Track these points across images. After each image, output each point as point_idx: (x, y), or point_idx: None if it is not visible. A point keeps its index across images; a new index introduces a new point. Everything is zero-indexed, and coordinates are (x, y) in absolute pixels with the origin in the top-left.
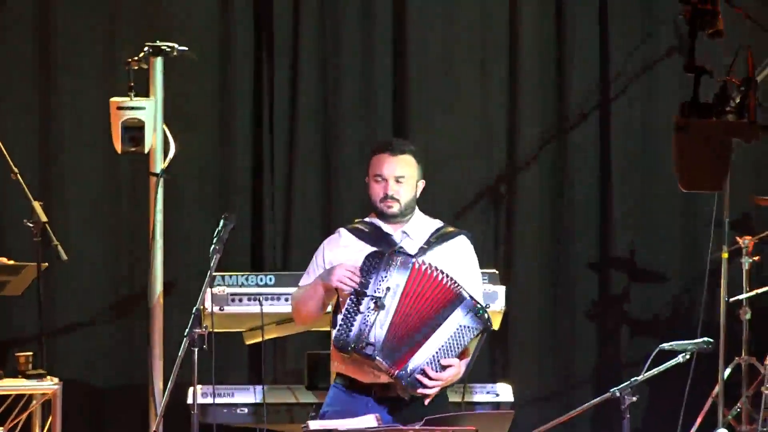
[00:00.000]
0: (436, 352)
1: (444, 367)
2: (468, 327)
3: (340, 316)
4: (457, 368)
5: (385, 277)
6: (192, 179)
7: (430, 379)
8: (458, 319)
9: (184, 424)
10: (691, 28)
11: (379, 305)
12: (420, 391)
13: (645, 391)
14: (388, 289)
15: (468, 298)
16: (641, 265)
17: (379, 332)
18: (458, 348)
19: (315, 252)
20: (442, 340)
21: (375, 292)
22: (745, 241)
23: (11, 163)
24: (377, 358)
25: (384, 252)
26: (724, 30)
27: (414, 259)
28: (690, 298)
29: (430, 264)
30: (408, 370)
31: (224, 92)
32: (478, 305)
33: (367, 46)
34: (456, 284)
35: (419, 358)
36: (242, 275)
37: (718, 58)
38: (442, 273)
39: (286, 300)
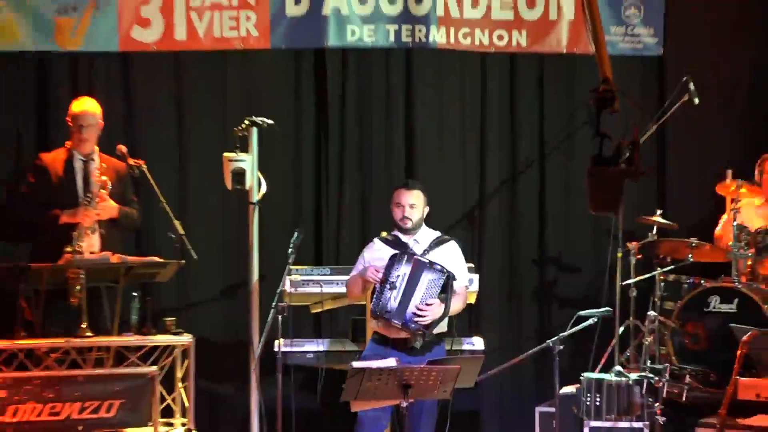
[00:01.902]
0: (421, 298)
1: (429, 305)
2: (434, 279)
3: (373, 296)
4: (438, 305)
5: (398, 269)
6: (275, 205)
7: (420, 313)
8: (428, 276)
9: (272, 365)
10: (597, 108)
11: (393, 288)
12: (419, 321)
13: (569, 343)
14: (398, 276)
15: (430, 263)
16: (565, 262)
17: (393, 304)
18: (434, 292)
19: (359, 253)
20: (422, 291)
21: (391, 280)
22: (632, 246)
23: (159, 195)
24: (392, 320)
25: (399, 254)
26: (619, 109)
27: (415, 256)
28: (597, 283)
29: (421, 256)
30: (407, 316)
31: (296, 148)
32: (437, 265)
33: (389, 118)
34: (426, 260)
35: (412, 306)
36: (309, 267)
37: (617, 127)
38: (426, 259)
39: (337, 284)
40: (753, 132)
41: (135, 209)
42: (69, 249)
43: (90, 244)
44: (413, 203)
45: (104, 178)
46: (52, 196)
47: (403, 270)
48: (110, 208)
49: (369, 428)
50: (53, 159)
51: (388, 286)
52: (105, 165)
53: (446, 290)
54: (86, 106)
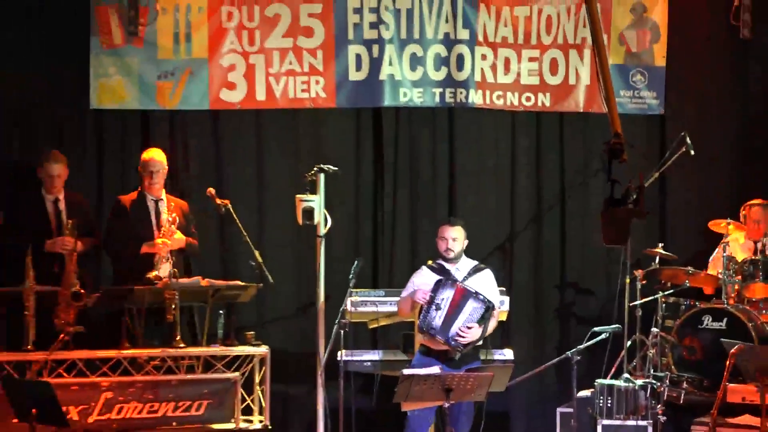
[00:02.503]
0: (464, 322)
1: (469, 329)
2: (477, 307)
3: (420, 314)
4: (477, 329)
5: (442, 293)
6: (339, 238)
7: (462, 335)
8: (472, 304)
9: (335, 372)
10: (608, 158)
11: (438, 308)
12: (459, 341)
13: (585, 354)
14: (442, 299)
15: (476, 293)
16: (582, 286)
17: (437, 322)
18: (476, 318)
19: (408, 279)
20: (465, 316)
21: (436, 301)
22: (638, 273)
23: (242, 229)
24: (437, 336)
25: (443, 280)
26: (627, 159)
27: (457, 283)
28: (609, 304)
29: (464, 284)
30: (449, 334)
31: (356, 190)
32: (481, 295)
33: (434, 165)
34: (473, 290)
35: (454, 328)
36: (367, 290)
37: (625, 174)
38: (468, 287)
39: (390, 304)
40: (739, 179)
41: (196, 239)
42: (152, 274)
43: (165, 270)
44: (455, 237)
45: (174, 215)
46: (131, 231)
47: (447, 294)
48: (179, 240)
49: (416, 425)
50: (129, 200)
51: (433, 306)
52: (173, 204)
53: (486, 317)
54: (154, 154)
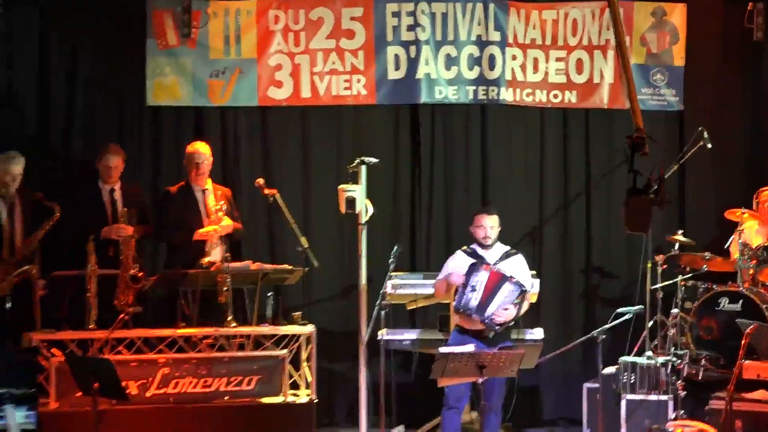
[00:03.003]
0: (500, 304)
1: (506, 310)
2: (512, 290)
3: (456, 295)
4: (512, 310)
5: (476, 276)
6: (379, 226)
7: (497, 315)
8: (509, 288)
9: (376, 349)
10: (631, 151)
11: (473, 290)
12: (495, 320)
13: (609, 334)
14: (477, 281)
15: (510, 277)
16: (606, 270)
17: (473, 302)
18: (511, 300)
19: (444, 263)
20: (501, 298)
21: (471, 284)
22: (659, 258)
23: (289, 217)
24: (473, 315)
25: (476, 263)
26: (648, 152)
27: (490, 266)
28: (632, 287)
29: (497, 268)
30: (485, 314)
31: (395, 181)
32: (515, 279)
33: (467, 158)
34: (506, 274)
35: (491, 309)
36: (405, 273)
37: (647, 166)
38: (501, 271)
39: (428, 287)
40: (752, 170)
41: (240, 223)
42: (204, 260)
43: (216, 255)
44: (492, 225)
45: (222, 203)
46: (182, 220)
47: (481, 276)
48: (227, 226)
49: (453, 400)
50: (177, 191)
51: (468, 288)
52: (219, 192)
53: (520, 301)
54: (198, 147)
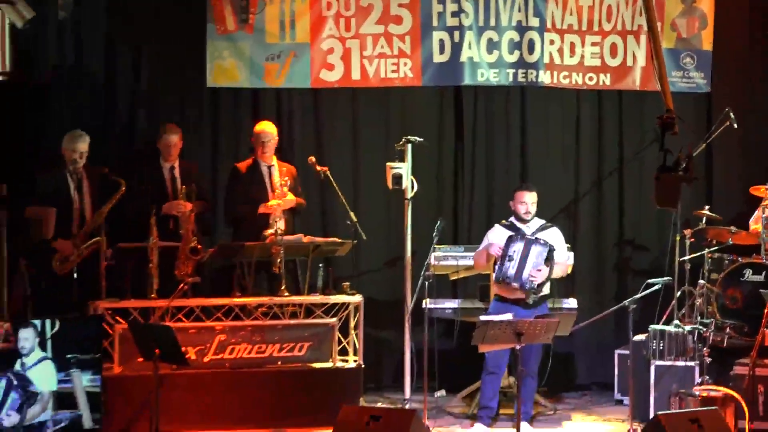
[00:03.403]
0: (533, 266)
1: (539, 271)
2: (540, 251)
3: (496, 266)
4: (545, 270)
5: (513, 246)
6: (424, 201)
7: (533, 277)
8: (536, 249)
9: (420, 318)
10: (662, 130)
11: (510, 260)
12: (533, 282)
13: (640, 303)
14: (514, 252)
15: (536, 239)
16: (638, 243)
17: (511, 272)
18: (542, 260)
19: (484, 236)
20: (533, 260)
21: (509, 254)
22: (687, 232)
23: (339, 192)
24: (512, 283)
25: (513, 235)
26: (678, 132)
27: (526, 236)
28: (661, 259)
29: (531, 236)
30: (522, 278)
31: (439, 159)
32: (541, 240)
33: (508, 137)
34: (533, 237)
35: (527, 272)
36: (448, 246)
37: (677, 144)
38: (533, 237)
39: (469, 258)
40: None
41: (303, 199)
42: (269, 231)
43: (280, 227)
44: (533, 201)
45: (286, 179)
46: (249, 195)
47: (518, 247)
48: (290, 200)
49: (493, 365)
50: (245, 167)
51: (507, 258)
52: (284, 169)
53: (550, 258)
54: (265, 126)
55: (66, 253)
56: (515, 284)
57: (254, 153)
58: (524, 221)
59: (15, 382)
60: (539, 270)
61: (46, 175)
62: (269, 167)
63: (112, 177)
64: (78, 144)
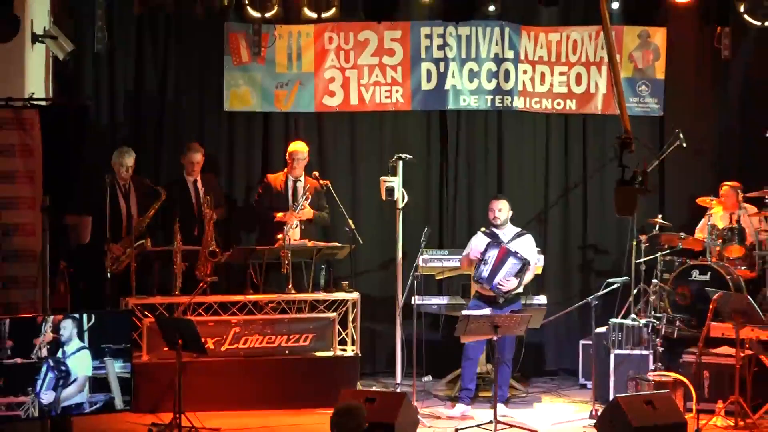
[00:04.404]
0: (505, 275)
1: (507, 280)
2: (515, 263)
3: (473, 268)
4: (514, 281)
5: (490, 252)
6: (413, 211)
7: (501, 284)
8: (512, 262)
9: (410, 312)
10: (620, 149)
11: (485, 263)
12: (500, 289)
13: (601, 299)
14: (489, 256)
15: (515, 252)
16: (599, 248)
17: (485, 274)
18: (514, 271)
19: (468, 241)
20: (506, 270)
21: (485, 258)
22: (643, 238)
23: (339, 203)
24: (483, 284)
25: (491, 242)
26: (634, 150)
27: (503, 244)
28: (620, 261)
29: (507, 245)
30: (493, 284)
31: (426, 173)
32: (519, 254)
33: (486, 154)
34: (513, 250)
35: (498, 279)
36: (434, 250)
37: (633, 161)
38: (509, 247)
39: (453, 261)
40: (719, 165)
41: (326, 213)
42: (280, 236)
43: (294, 234)
44: (500, 208)
45: (308, 193)
46: (273, 202)
47: (493, 252)
48: (307, 212)
49: (472, 352)
50: (275, 179)
51: (483, 262)
52: (308, 185)
53: (522, 271)
54: (298, 146)
55: (117, 254)
56: (486, 285)
57: (287, 167)
58: (497, 227)
59: (53, 366)
60: (508, 280)
61: (94, 186)
62: (295, 181)
63: (153, 187)
64: (125, 159)
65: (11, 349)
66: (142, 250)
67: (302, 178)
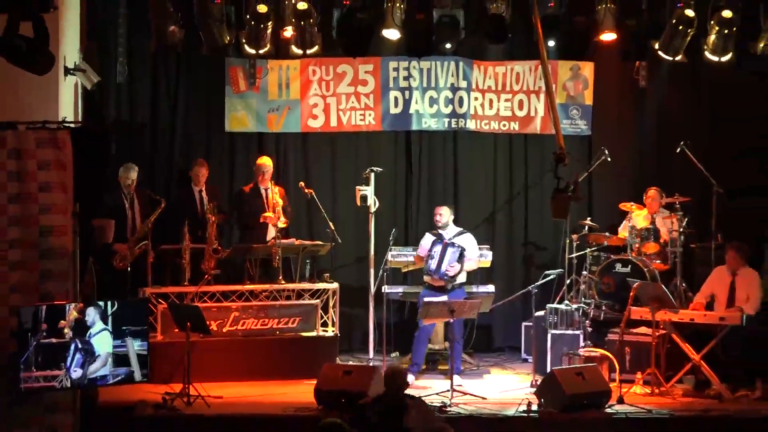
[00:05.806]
0: (448, 262)
1: (452, 266)
2: (454, 251)
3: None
4: (457, 266)
5: (435, 248)
6: (383, 215)
7: (448, 271)
8: (451, 251)
9: (380, 299)
10: (556, 163)
11: (432, 258)
12: (447, 275)
13: (540, 288)
14: (435, 251)
15: (451, 243)
16: (539, 244)
17: (432, 266)
18: (455, 258)
19: (420, 241)
20: (448, 258)
21: (431, 253)
22: (575, 237)
23: (321, 208)
24: (433, 275)
25: (436, 240)
26: (567, 163)
27: (444, 240)
28: (556, 256)
29: (449, 241)
30: (441, 272)
31: (394, 184)
32: (455, 244)
33: (444, 168)
34: (449, 242)
35: (444, 266)
36: (400, 247)
37: (566, 173)
38: (450, 241)
39: (412, 257)
40: (638, 176)
41: (290, 210)
42: (269, 238)
43: (271, 234)
44: (442, 213)
45: (279, 199)
46: (253, 208)
47: (437, 248)
48: (283, 221)
49: (423, 332)
50: (249, 189)
51: (430, 257)
52: (276, 189)
53: (462, 257)
54: (264, 160)
55: (123, 253)
56: (436, 276)
57: (255, 178)
58: (441, 228)
59: (80, 346)
60: (453, 266)
61: (109, 196)
62: (266, 189)
63: (153, 197)
64: (130, 173)
65: (46, 331)
66: (143, 250)
67: (270, 186)
